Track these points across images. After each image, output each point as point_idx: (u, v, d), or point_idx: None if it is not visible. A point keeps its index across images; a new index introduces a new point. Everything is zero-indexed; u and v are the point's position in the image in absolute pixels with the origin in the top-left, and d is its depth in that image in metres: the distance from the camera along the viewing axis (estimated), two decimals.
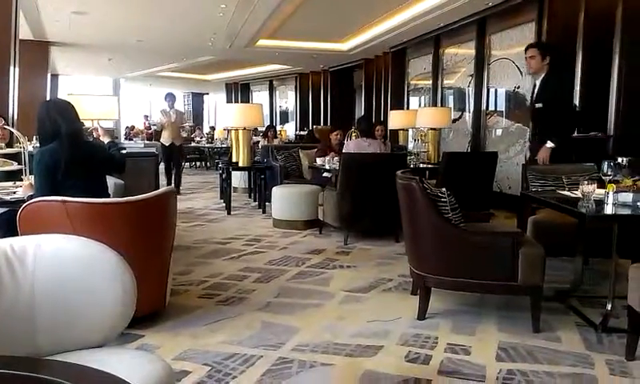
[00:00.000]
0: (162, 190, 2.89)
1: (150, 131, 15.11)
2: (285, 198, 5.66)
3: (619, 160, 3.17)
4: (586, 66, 5.85)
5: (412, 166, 5.70)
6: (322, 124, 13.86)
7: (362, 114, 12.27)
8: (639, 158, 3.15)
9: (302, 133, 14.22)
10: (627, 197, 2.79)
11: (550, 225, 3.67)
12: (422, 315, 3.02)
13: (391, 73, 10.72)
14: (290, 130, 15.30)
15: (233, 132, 6.55)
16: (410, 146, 8.33)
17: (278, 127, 14.19)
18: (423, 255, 3.00)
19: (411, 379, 2.32)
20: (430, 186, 2.96)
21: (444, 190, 2.91)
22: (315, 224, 5.46)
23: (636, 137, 5.19)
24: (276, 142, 9.61)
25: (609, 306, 2.90)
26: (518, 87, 7.08)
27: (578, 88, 5.90)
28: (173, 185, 7.71)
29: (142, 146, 7.97)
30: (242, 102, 16.07)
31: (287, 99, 16.52)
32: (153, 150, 6.23)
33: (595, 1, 5.80)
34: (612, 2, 5.45)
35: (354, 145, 5.51)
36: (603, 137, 5.50)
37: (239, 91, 18.18)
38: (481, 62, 7.81)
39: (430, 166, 6.12)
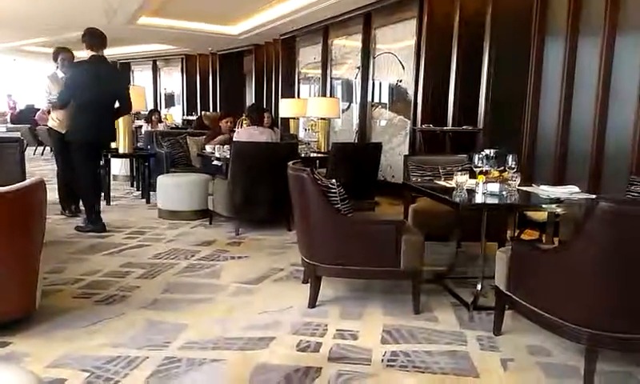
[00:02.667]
0: (28, 181, 2.58)
1: (15, 112, 13.51)
2: (171, 188, 5.41)
3: (488, 152, 3.46)
4: (461, 64, 6.34)
5: (303, 155, 5.76)
6: (210, 110, 13.44)
7: (253, 100, 12.15)
8: (505, 150, 3.47)
9: (189, 118, 13.67)
10: (495, 187, 3.08)
11: (429, 212, 3.94)
12: (312, 303, 3.07)
13: (282, 60, 10.71)
14: (176, 115, 14.63)
15: None
16: (301, 134, 8.42)
17: (163, 111, 13.49)
18: (314, 245, 3.05)
19: (302, 368, 2.36)
20: (321, 177, 3.00)
21: (334, 181, 2.97)
22: (205, 214, 5.30)
23: (502, 130, 5.77)
24: (161, 127, 9.12)
25: (479, 287, 3.19)
26: (401, 81, 7.46)
27: (453, 84, 6.39)
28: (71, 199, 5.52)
29: (4, 130, 7.08)
30: None
31: (173, 82, 15.75)
32: (17, 134, 5.55)
33: (468, 3, 6.29)
34: (483, 5, 5.96)
35: (245, 133, 5.42)
36: (474, 130, 6.02)
37: None
38: (367, 54, 8.11)
39: (320, 155, 6.23)
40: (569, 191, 3.24)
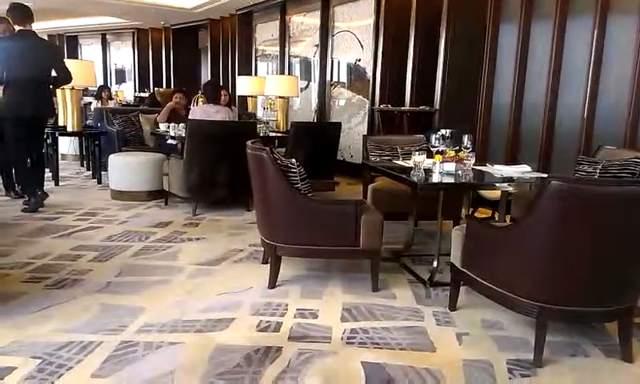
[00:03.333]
0: None
1: None
2: (124, 167, 5.22)
3: (444, 132, 3.52)
4: (418, 45, 6.39)
5: (262, 134, 5.69)
6: (164, 86, 13.04)
7: (208, 77, 11.85)
8: (460, 131, 3.53)
9: (141, 95, 13.21)
10: (451, 166, 3.14)
11: (387, 192, 3.98)
12: (272, 284, 3.07)
13: (238, 36, 10.47)
14: (127, 92, 14.10)
15: (59, 91, 5.79)
16: (260, 113, 8.31)
17: (114, 88, 12.98)
18: (274, 225, 3.03)
19: (262, 348, 2.35)
20: (280, 157, 2.97)
21: (294, 160, 2.95)
22: (160, 195, 5.17)
23: (458, 111, 5.88)
24: (111, 104, 8.78)
25: (435, 264, 3.27)
26: (359, 60, 7.46)
27: (410, 64, 6.44)
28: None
29: None
30: (68, 58, 14.27)
31: (124, 57, 15.13)
32: None
33: None
34: None
35: (201, 111, 5.29)
36: (431, 110, 6.11)
37: (65, 45, 16.10)
38: (325, 32, 8.04)
39: (279, 134, 6.17)
40: (521, 170, 3.35)
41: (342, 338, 2.48)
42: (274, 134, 6.11)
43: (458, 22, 5.89)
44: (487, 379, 2.17)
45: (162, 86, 13.10)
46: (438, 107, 6.03)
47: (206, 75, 12.56)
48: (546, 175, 2.92)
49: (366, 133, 7.02)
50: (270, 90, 6.72)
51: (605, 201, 2.07)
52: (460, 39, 5.90)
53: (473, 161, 3.28)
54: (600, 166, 3.66)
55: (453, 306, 2.83)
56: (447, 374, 2.19)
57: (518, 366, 2.28)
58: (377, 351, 2.36)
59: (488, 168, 3.52)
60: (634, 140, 4.17)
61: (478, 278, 2.53)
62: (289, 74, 9.02)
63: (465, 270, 2.65)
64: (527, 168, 3.42)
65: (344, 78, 7.94)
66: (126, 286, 3.04)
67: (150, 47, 13.99)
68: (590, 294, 2.23)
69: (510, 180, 3.16)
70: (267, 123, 6.45)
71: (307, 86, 8.75)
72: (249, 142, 3.09)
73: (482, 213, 4.52)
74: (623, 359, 2.34)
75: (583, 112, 4.52)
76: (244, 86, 8.01)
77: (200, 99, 6.37)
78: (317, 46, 8.27)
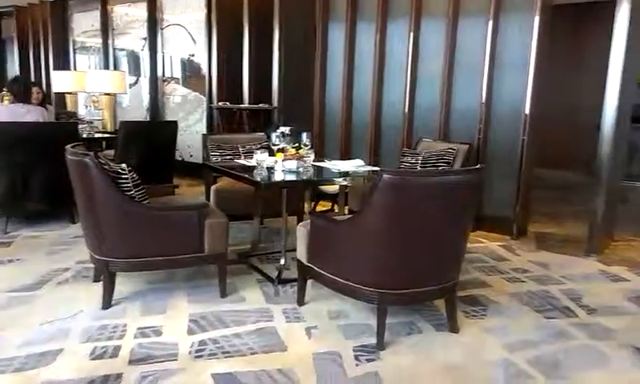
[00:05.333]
0: None
1: None
2: None
3: (284, 130, 3.55)
4: (253, 40, 6.37)
5: (85, 135, 5.12)
6: None
7: (17, 71, 10.32)
8: (299, 128, 3.60)
9: None
10: (292, 164, 3.17)
11: (231, 192, 3.89)
12: (107, 304, 2.76)
13: (51, 26, 9.29)
14: None
15: None
16: (82, 112, 7.49)
17: None
18: (104, 238, 2.72)
19: (98, 378, 2.10)
20: (108, 161, 2.68)
21: (124, 165, 2.68)
22: None
23: (296, 108, 6.01)
24: None
25: (282, 261, 3.29)
26: (193, 55, 7.18)
27: (246, 61, 6.39)
28: None
29: None
30: None
31: None
32: None
33: None
34: None
35: (8, 112, 4.54)
36: (270, 108, 6.15)
37: None
38: (153, 25, 7.57)
39: (106, 135, 5.62)
40: (355, 164, 3.54)
41: (189, 353, 2.34)
42: (100, 135, 5.56)
43: (291, 19, 6.01)
44: (336, 369, 2.24)
45: None
46: (276, 104, 6.10)
47: (12, 70, 10.91)
48: (377, 168, 3.12)
49: (205, 131, 6.79)
50: (93, 86, 6.08)
51: (428, 189, 2.28)
52: (293, 36, 6.03)
53: (312, 157, 3.36)
54: (421, 157, 4.06)
55: (301, 301, 2.87)
56: (299, 371, 2.21)
57: (363, 351, 2.39)
58: (228, 360, 2.28)
59: (326, 163, 3.65)
60: (447, 132, 4.70)
61: (322, 272, 2.60)
62: (114, 68, 8.30)
63: (310, 265, 2.69)
64: (361, 162, 3.63)
65: (178, 74, 7.57)
66: None
67: None
68: (422, 276, 2.44)
69: (346, 174, 3.31)
70: (91, 123, 5.84)
71: (137, 82, 8.15)
72: (68, 146, 2.73)
73: (323, 206, 4.70)
74: (451, 331, 2.61)
75: (404, 107, 4.96)
76: (61, 81, 7.10)
77: (5, 98, 5.48)
78: (145, 39, 7.74)
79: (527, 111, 4.22)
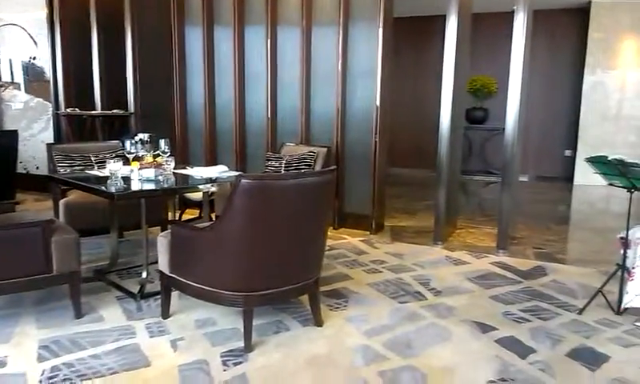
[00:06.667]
0: None
1: None
2: None
3: (142, 136, 3.40)
4: (102, 42, 5.97)
5: None
6: None
7: None
8: (158, 135, 3.47)
9: None
10: (150, 172, 3.07)
11: (83, 206, 3.63)
12: None
13: None
14: None
15: None
16: None
17: None
18: None
19: None
20: None
21: None
22: None
23: (155, 114, 5.77)
24: None
25: (144, 274, 3.16)
26: (35, 58, 6.52)
27: (96, 65, 5.98)
28: None
29: None
30: None
31: None
32: None
33: None
34: None
35: None
36: (126, 114, 5.82)
37: None
38: None
39: None
40: (218, 170, 3.53)
41: (40, 382, 2.15)
42: None
43: (145, 20, 5.75)
44: (203, 378, 2.22)
45: None
46: (132, 110, 5.80)
47: None
48: (240, 173, 3.15)
49: (53, 141, 6.20)
50: None
51: (286, 192, 2.37)
52: (149, 39, 5.78)
53: (173, 165, 3.27)
54: (284, 161, 4.18)
55: (166, 314, 2.79)
56: None
57: (231, 355, 2.41)
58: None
59: (188, 170, 3.58)
60: (308, 136, 4.89)
61: (187, 281, 2.56)
62: None
63: (174, 275, 2.63)
64: (224, 168, 3.62)
65: (19, 79, 6.80)
66: None
67: None
68: (285, 275, 2.52)
69: (209, 181, 3.29)
70: None
71: None
72: None
73: (190, 214, 4.59)
74: (316, 325, 2.74)
75: (267, 112, 5.06)
76: None
77: None
78: None
79: (377, 114, 4.57)
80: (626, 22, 7.58)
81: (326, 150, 4.19)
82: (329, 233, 4.50)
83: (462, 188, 6.98)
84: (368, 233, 4.72)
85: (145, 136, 3.42)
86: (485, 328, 2.76)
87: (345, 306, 3.04)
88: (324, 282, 3.29)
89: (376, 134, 4.59)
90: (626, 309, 2.89)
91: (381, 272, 3.67)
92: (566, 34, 8.20)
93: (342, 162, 4.77)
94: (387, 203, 5.15)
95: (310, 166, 4.06)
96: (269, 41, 4.94)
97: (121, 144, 4.00)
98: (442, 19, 4.23)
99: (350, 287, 3.34)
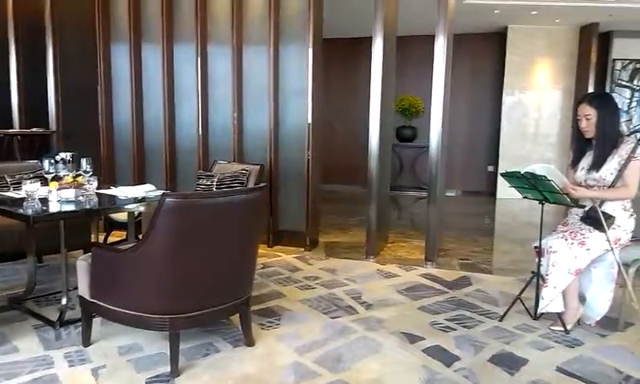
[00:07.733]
0: None
1: None
2: None
3: (63, 156, 3.25)
4: (22, 58, 5.67)
5: None
6: None
7: None
8: (82, 153, 3.32)
9: None
10: (70, 193, 2.92)
11: None
12: None
13: None
14: None
15: None
16: None
17: None
18: None
19: None
20: None
21: None
22: None
23: (80, 132, 5.52)
24: None
25: (64, 301, 2.99)
26: None
27: (15, 81, 5.66)
28: None
29: None
30: None
31: None
32: None
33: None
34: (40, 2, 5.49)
35: None
36: (47, 132, 5.54)
37: None
38: None
39: None
40: (145, 190, 3.42)
41: None
42: None
43: (68, 39, 5.54)
44: None
45: None
46: (54, 128, 5.52)
47: None
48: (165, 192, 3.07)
49: None
50: None
51: (213, 210, 2.34)
52: (72, 54, 5.56)
53: (95, 185, 3.13)
54: (216, 179, 4.12)
55: (87, 342, 2.65)
56: None
57: (157, 381, 2.32)
58: None
59: (113, 191, 3.44)
60: (241, 154, 4.87)
61: (109, 306, 2.45)
62: None
63: (95, 301, 2.51)
64: (151, 187, 3.52)
65: None
66: None
67: None
68: (213, 296, 2.47)
69: (135, 200, 3.18)
70: None
71: None
72: None
73: (117, 236, 4.41)
74: (247, 345, 2.70)
75: (198, 130, 4.99)
76: None
77: None
78: None
79: (309, 132, 4.63)
80: (540, 46, 8.19)
81: (259, 167, 4.17)
82: (263, 251, 4.50)
83: (394, 203, 7.19)
84: (303, 249, 4.74)
85: (66, 155, 3.27)
86: (413, 338, 2.84)
87: (277, 324, 3.02)
88: (256, 300, 3.26)
89: (309, 150, 4.65)
90: (542, 314, 3.08)
91: (314, 288, 3.69)
92: (487, 57, 8.74)
93: (276, 179, 4.78)
94: (321, 219, 5.21)
95: (242, 184, 4.02)
96: (199, 58, 4.89)
97: (39, 164, 3.79)
98: (369, 41, 4.38)
99: (282, 305, 3.33)
